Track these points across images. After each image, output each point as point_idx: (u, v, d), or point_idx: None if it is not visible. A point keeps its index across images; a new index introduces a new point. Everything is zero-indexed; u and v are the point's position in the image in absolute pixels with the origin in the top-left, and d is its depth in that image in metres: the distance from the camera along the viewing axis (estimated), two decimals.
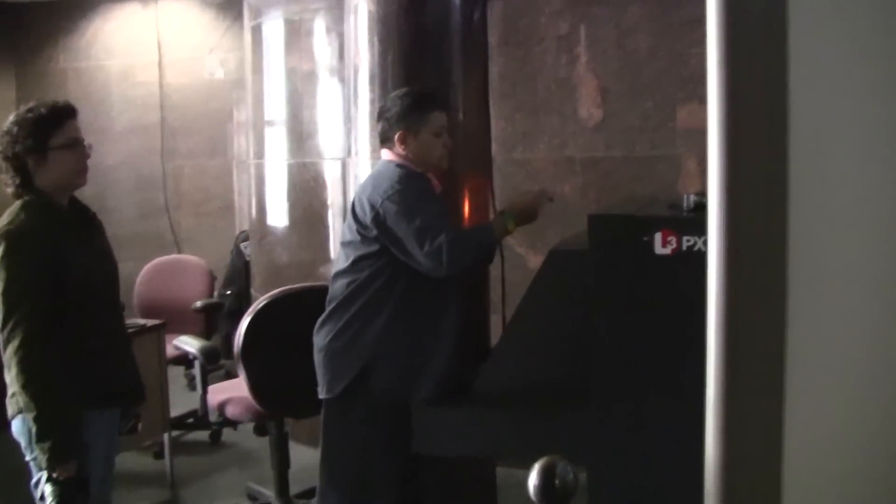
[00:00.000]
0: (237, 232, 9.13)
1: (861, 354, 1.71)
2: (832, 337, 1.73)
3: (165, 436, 5.90)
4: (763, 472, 1.80)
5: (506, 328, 3.88)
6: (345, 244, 4.05)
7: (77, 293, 3.50)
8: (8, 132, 3.53)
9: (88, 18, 9.70)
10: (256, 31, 7.03)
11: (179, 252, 9.06)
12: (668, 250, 3.29)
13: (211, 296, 7.31)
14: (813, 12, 1.68)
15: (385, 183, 3.90)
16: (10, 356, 3.38)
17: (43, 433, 3.36)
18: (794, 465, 1.78)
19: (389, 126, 4.02)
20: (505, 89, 5.68)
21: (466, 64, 4.57)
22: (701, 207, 3.44)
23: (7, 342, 3.38)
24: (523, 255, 6.07)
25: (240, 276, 8.51)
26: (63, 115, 3.60)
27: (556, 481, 2.00)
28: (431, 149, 4.03)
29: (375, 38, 4.49)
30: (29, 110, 3.56)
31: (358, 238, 3.95)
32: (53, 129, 3.54)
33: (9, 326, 3.37)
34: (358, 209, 3.95)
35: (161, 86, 9.49)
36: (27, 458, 3.56)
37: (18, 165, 3.52)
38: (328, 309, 4.07)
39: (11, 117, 3.57)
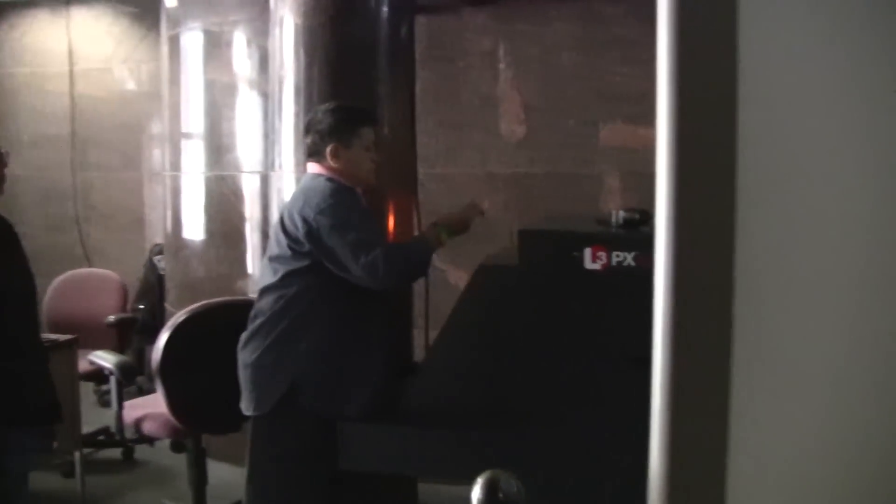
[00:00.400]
0: (149, 245, 9.00)
1: (810, 368, 1.71)
2: (779, 353, 1.72)
3: (77, 454, 5.75)
4: (708, 489, 1.78)
5: (434, 344, 3.85)
6: (273, 259, 3.98)
7: None
8: None
9: None
10: (174, 41, 6.92)
11: (90, 266, 8.90)
12: (597, 266, 3.30)
13: (124, 310, 7.16)
14: (763, 26, 1.68)
15: (317, 197, 3.85)
16: None
17: None
18: (739, 481, 1.76)
19: (321, 139, 3.97)
20: (428, 104, 5.66)
21: (393, 78, 4.55)
22: (630, 223, 3.46)
23: None
24: (444, 270, 6.04)
25: (153, 290, 8.37)
26: None
27: (500, 495, 1.97)
28: (362, 163, 4.01)
29: (301, 51, 4.44)
30: None
31: (288, 253, 3.89)
32: None
33: None
34: (288, 223, 3.88)
35: (72, 96, 9.31)
36: None
37: None
38: (255, 324, 4.00)
39: None
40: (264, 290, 4.00)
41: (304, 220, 3.80)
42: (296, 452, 3.93)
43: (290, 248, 3.88)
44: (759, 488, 1.77)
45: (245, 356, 3.99)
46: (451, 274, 6.23)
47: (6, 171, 3.58)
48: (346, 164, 3.97)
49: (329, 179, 3.95)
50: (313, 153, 4.02)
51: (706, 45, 1.69)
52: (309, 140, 4.03)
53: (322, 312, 3.89)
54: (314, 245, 3.80)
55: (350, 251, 3.75)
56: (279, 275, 3.93)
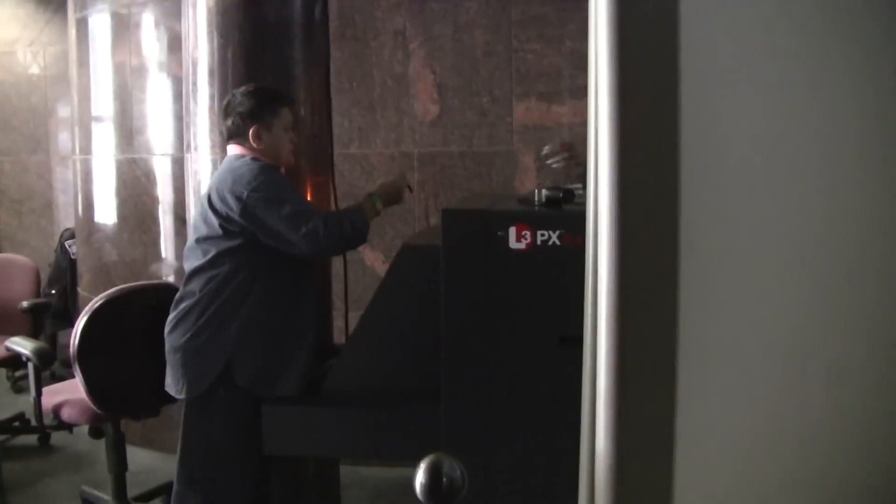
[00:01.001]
0: (59, 230, 8.89)
1: (752, 350, 1.75)
2: (723, 334, 1.76)
3: None
4: (654, 472, 1.82)
5: (357, 325, 3.86)
6: (201, 240, 3.98)
7: None
8: None
9: None
10: (82, 24, 6.83)
11: (0, 251, 8.77)
12: (522, 245, 3.32)
13: (38, 295, 7.07)
14: (705, 13, 1.71)
15: (247, 175, 3.88)
16: None
17: None
18: (685, 463, 1.80)
19: (242, 121, 4.01)
20: (342, 84, 5.67)
21: (307, 59, 4.53)
22: (553, 202, 3.48)
23: None
24: (359, 251, 6.05)
25: (64, 274, 8.28)
26: None
27: (444, 479, 1.98)
28: (283, 144, 4.08)
29: (215, 32, 4.40)
30: None
31: (219, 232, 3.91)
32: None
33: None
34: (218, 203, 3.89)
35: None
36: None
37: None
38: (182, 307, 4.01)
39: None
40: (193, 273, 4.00)
41: (237, 198, 3.82)
42: (231, 432, 3.96)
43: (221, 227, 3.89)
44: (706, 472, 1.81)
45: (173, 339, 4.00)
46: (367, 255, 6.25)
47: None
48: (268, 145, 4.03)
49: (254, 159, 3.98)
50: (234, 135, 4.05)
51: (647, 25, 1.73)
52: (229, 122, 4.05)
53: (252, 292, 3.91)
54: (249, 222, 3.83)
55: (288, 223, 3.80)
56: (209, 255, 3.94)
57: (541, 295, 3.38)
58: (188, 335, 3.95)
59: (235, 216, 3.84)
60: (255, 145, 4.01)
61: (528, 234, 3.31)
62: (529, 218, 3.35)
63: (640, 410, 1.83)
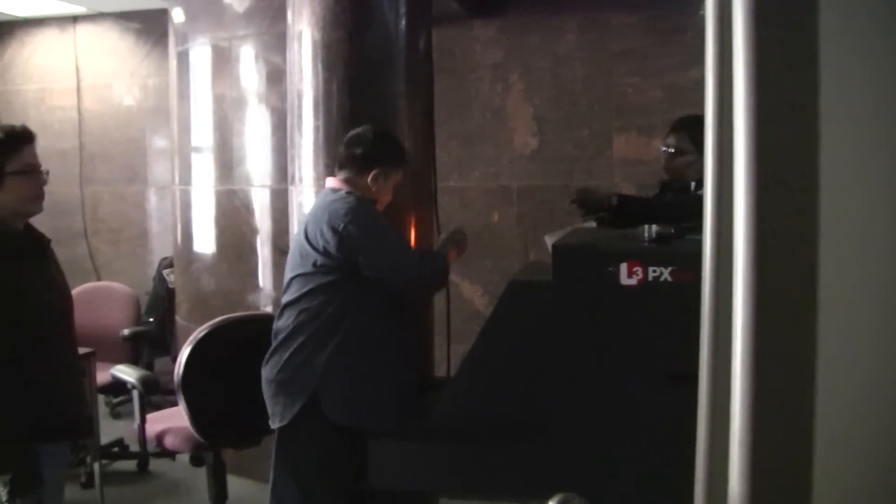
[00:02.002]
0: (155, 259, 9.01)
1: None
2: (862, 374, 1.72)
3: (96, 465, 5.78)
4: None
5: (464, 359, 3.84)
6: (295, 275, 4.03)
7: (30, 324, 3.41)
8: None
9: (5, 42, 9.53)
10: (183, 56, 6.93)
11: (98, 279, 8.91)
12: (633, 281, 3.29)
13: (137, 324, 7.16)
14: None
15: (343, 208, 3.91)
16: None
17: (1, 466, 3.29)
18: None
19: (366, 158, 4.04)
20: (440, 117, 5.67)
21: (411, 92, 4.55)
22: (663, 238, 3.45)
23: None
24: (458, 284, 6.05)
25: (162, 303, 8.38)
26: (20, 140, 3.50)
27: None
28: (387, 195, 4.16)
29: (320, 66, 4.44)
30: None
31: (311, 269, 3.95)
32: (10, 155, 3.45)
33: None
34: (313, 239, 3.93)
35: (79, 111, 9.33)
36: None
37: None
38: (276, 341, 4.06)
39: None
40: (286, 306, 4.05)
41: (334, 231, 3.86)
42: (317, 462, 3.98)
43: (314, 264, 3.93)
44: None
45: (267, 372, 4.06)
46: (466, 289, 6.25)
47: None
48: (377, 192, 4.08)
49: (349, 193, 4.01)
50: (349, 166, 4.08)
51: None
52: (352, 152, 4.08)
53: (340, 327, 3.92)
54: (346, 254, 3.86)
55: (383, 255, 3.87)
56: (302, 291, 3.98)
57: (651, 331, 3.35)
58: (277, 368, 4.00)
59: (332, 249, 3.87)
60: (369, 186, 4.05)
61: (639, 270, 3.28)
62: (641, 254, 3.32)
63: (776, 452, 1.80)
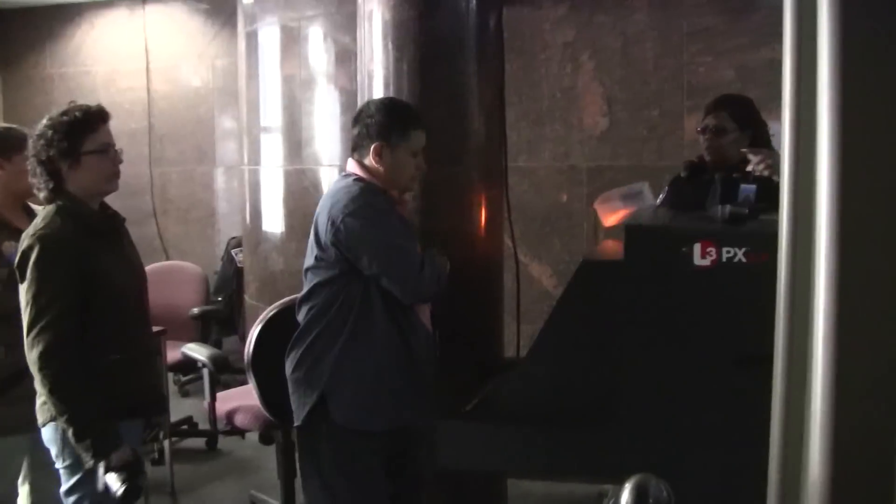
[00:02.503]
0: (224, 238, 9.07)
1: None
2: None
3: (166, 443, 5.85)
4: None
5: (535, 339, 3.81)
6: (307, 269, 3.85)
7: (104, 302, 3.45)
8: (42, 136, 3.46)
9: (75, 24, 9.64)
10: (251, 37, 6.96)
11: (167, 258, 9.00)
12: (707, 262, 3.26)
13: (206, 303, 7.21)
14: None
15: (344, 198, 3.69)
16: (34, 360, 3.33)
17: (83, 431, 3.33)
18: None
19: (367, 134, 3.80)
20: (509, 97, 5.64)
21: (482, 72, 4.52)
22: (737, 218, 3.41)
23: (32, 346, 3.33)
24: (527, 264, 6.04)
25: (230, 282, 8.45)
26: (97, 119, 3.52)
27: (650, 500, 1.94)
28: (405, 168, 3.82)
29: (390, 45, 4.42)
30: (63, 114, 3.47)
31: (314, 263, 3.78)
32: (87, 134, 3.47)
33: (34, 331, 3.32)
34: (319, 229, 3.74)
35: (148, 92, 9.41)
36: (57, 465, 3.53)
37: (52, 170, 3.46)
38: (293, 338, 3.90)
39: (45, 121, 3.49)
40: (299, 303, 3.90)
41: (332, 223, 3.66)
42: (335, 461, 3.82)
43: (317, 257, 3.76)
44: None
45: (287, 367, 3.90)
46: (534, 269, 6.23)
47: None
48: (388, 166, 3.79)
49: (357, 180, 3.78)
50: (356, 147, 3.85)
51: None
52: (356, 132, 3.85)
53: (347, 323, 3.73)
54: (342, 248, 3.65)
55: (379, 256, 3.64)
56: (309, 286, 3.82)
57: (724, 313, 3.31)
58: (293, 366, 3.84)
59: (329, 243, 3.67)
60: (373, 163, 3.78)
61: (713, 251, 3.24)
62: (715, 235, 3.28)
63: (858, 437, 1.77)
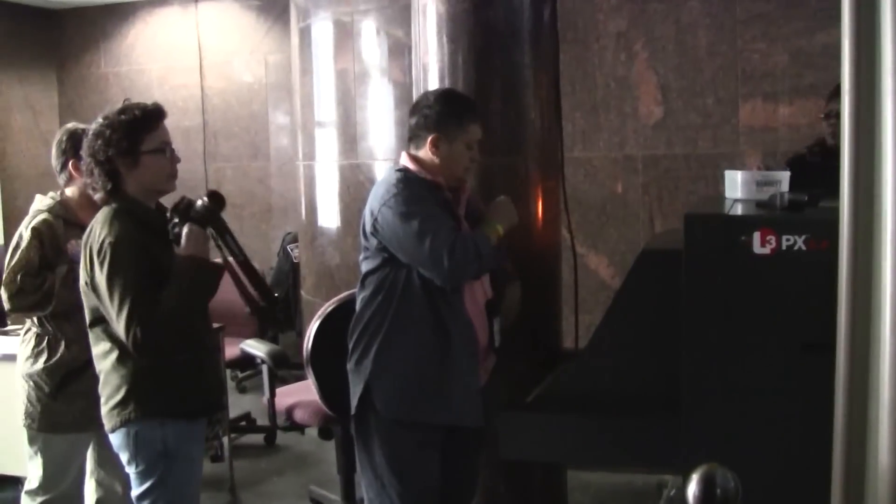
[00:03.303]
0: (278, 233, 9.12)
1: None
2: None
3: (225, 439, 5.89)
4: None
5: (596, 330, 3.81)
6: (360, 259, 3.89)
7: None
8: (100, 135, 3.44)
9: (129, 23, 9.74)
10: (305, 32, 6.99)
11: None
12: (766, 250, 3.24)
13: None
14: None
15: (383, 189, 3.73)
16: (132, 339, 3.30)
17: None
18: None
19: (425, 125, 3.81)
20: (564, 87, 5.63)
21: (537, 63, 4.50)
22: (796, 206, 3.39)
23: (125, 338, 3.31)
24: (584, 255, 6.03)
25: (287, 277, 8.48)
26: (155, 117, 3.51)
27: (718, 490, 1.93)
28: (460, 159, 3.81)
29: (445, 38, 4.42)
30: (121, 112, 3.45)
31: (363, 254, 3.83)
32: (146, 133, 3.46)
33: (124, 322, 3.29)
34: (364, 221, 3.78)
35: (202, 88, 9.48)
36: (129, 470, 3.53)
37: (110, 169, 3.45)
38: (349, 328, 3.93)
39: (102, 119, 3.47)
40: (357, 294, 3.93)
41: (371, 213, 3.69)
42: (387, 456, 3.83)
43: (364, 248, 3.80)
44: None
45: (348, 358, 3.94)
46: (591, 259, 6.22)
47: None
48: (443, 157, 3.80)
49: (401, 170, 3.81)
50: (413, 137, 3.86)
51: None
52: (413, 122, 3.86)
53: (389, 314, 3.75)
54: (380, 238, 3.67)
55: (413, 241, 3.59)
56: (361, 277, 3.86)
57: (784, 301, 3.29)
58: (349, 355, 3.88)
59: (369, 232, 3.71)
60: (429, 154, 3.79)
61: (772, 238, 3.22)
62: (775, 222, 3.26)
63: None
